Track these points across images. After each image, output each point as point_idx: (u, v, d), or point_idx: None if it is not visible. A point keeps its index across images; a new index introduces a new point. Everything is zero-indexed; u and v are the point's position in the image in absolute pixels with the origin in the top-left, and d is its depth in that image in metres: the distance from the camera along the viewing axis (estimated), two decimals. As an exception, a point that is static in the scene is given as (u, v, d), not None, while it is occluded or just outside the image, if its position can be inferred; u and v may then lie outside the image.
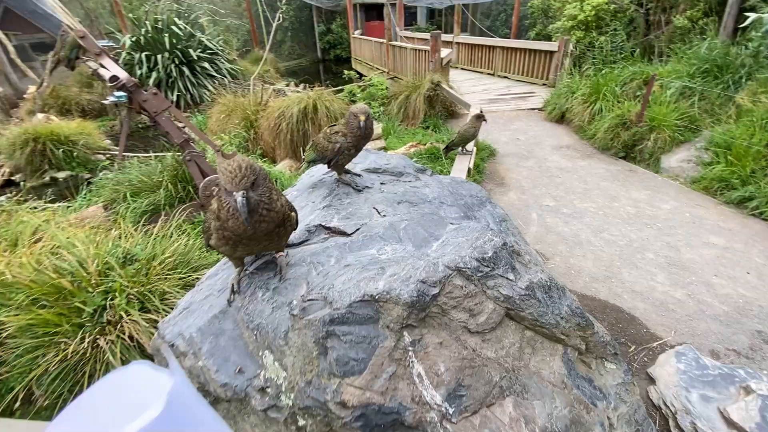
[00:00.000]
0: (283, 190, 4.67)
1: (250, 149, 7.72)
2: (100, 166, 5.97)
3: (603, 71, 7.93)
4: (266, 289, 1.45)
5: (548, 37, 14.50)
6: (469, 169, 5.44)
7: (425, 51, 11.19)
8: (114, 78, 3.37)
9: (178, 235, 2.96)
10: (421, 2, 25.75)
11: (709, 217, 4.76)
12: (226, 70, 13.63)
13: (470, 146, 5.99)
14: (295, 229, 1.44)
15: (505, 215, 2.26)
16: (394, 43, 13.82)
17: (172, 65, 12.06)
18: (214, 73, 12.99)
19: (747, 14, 5.87)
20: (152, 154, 4.68)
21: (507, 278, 1.47)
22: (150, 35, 12.16)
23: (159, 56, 11.92)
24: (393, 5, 16.84)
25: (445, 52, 10.85)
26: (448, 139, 6.72)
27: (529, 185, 5.94)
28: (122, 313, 2.13)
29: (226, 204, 1.21)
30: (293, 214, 1.39)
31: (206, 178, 3.61)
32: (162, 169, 3.94)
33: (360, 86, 10.40)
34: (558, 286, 1.65)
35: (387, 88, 9.89)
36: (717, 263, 3.89)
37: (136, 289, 2.24)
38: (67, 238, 2.68)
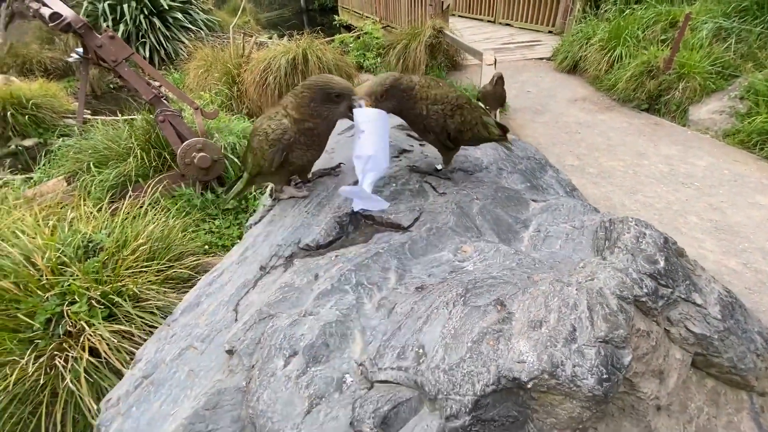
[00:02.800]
0: None
1: (234, 108, 6.96)
2: (58, 131, 5.25)
3: (625, 12, 7.14)
4: (291, 351, 0.84)
5: (552, -21, 13.32)
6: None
7: (422, -5, 10.14)
8: (55, 15, 2.64)
9: (155, 214, 2.41)
10: (411, -57, 23.64)
11: (750, 175, 4.32)
12: (202, 21, 12.35)
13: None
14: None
15: (571, 182, 1.76)
16: (386, -13, 12.54)
17: (141, 16, 10.81)
18: (189, 25, 11.75)
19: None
20: (120, 117, 4.01)
21: (694, 302, 0.93)
22: (112, -18, 10.78)
23: (125, 6, 10.64)
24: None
25: (445, -5, 9.82)
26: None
27: (547, 142, 5.41)
28: (83, 323, 1.64)
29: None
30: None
31: (185, 142, 2.94)
32: (131, 132, 3.30)
33: (352, 35, 9.43)
34: (739, 302, 1.11)
35: (382, 36, 8.96)
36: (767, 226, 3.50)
37: (100, 290, 1.75)
38: (13, 223, 2.13)
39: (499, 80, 4.62)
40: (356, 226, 1.08)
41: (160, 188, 2.75)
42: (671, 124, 5.72)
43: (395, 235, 1.02)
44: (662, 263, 0.89)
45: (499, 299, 0.83)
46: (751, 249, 3.25)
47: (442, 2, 9.33)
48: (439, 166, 1.42)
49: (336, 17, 11.64)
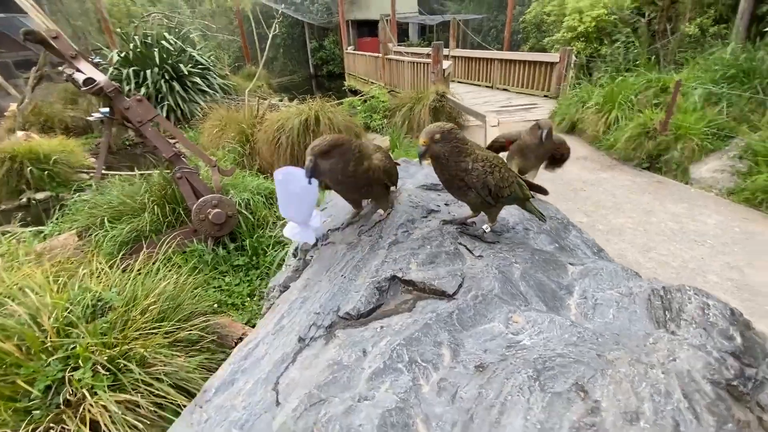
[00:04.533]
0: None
1: (246, 165, 7.17)
2: (75, 186, 5.35)
3: (617, 80, 7.61)
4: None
5: (543, 50, 14.41)
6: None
7: (423, 64, 10.91)
8: (89, 81, 2.82)
9: (167, 271, 2.36)
10: (412, 19, 25.97)
11: (762, 233, 4.30)
12: (218, 85, 13.19)
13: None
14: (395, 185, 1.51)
15: (596, 243, 1.74)
16: (390, 56, 13.56)
17: (162, 80, 11.57)
18: (206, 88, 12.51)
19: (774, 17, 5.59)
20: (137, 172, 4.11)
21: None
22: (139, 50, 11.70)
23: (148, 71, 11.42)
24: (387, 21, 16.72)
25: (445, 64, 10.57)
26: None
27: (554, 200, 5.43)
28: (85, 391, 1.52)
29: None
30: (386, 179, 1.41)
31: (201, 198, 2.97)
32: (147, 188, 3.35)
33: (360, 99, 9.99)
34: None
35: (387, 100, 9.49)
36: (791, 286, 3.40)
37: (107, 354, 1.64)
38: (22, 279, 2.07)
39: (548, 134, 4.61)
40: (396, 291, 1.02)
41: (173, 244, 2.73)
42: (674, 182, 5.83)
43: (440, 304, 0.95)
44: (739, 339, 0.82)
45: (578, 384, 0.74)
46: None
47: (444, 70, 10.02)
48: (487, 227, 1.41)
49: (344, 83, 12.40)
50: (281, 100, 14.09)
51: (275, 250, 3.14)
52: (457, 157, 1.25)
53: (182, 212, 3.33)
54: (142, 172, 4.33)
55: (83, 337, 1.72)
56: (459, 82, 15.12)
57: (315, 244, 1.35)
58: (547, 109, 9.87)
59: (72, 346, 1.68)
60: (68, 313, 1.81)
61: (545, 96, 11.46)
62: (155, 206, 3.20)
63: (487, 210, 1.35)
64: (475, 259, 1.12)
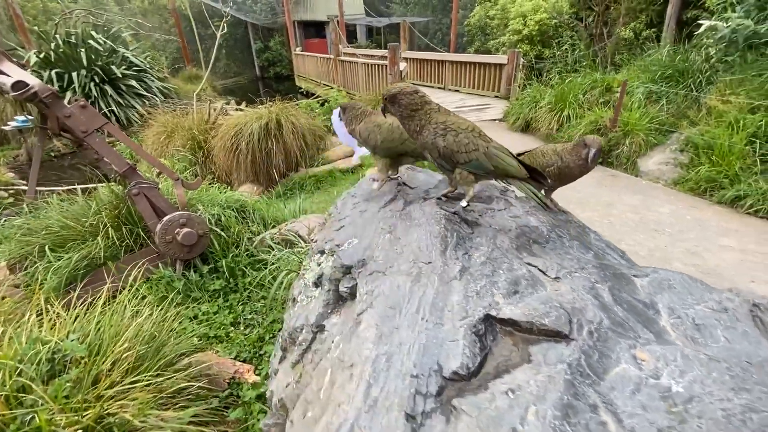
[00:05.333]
0: (256, 215, 3.68)
1: (198, 174, 6.63)
2: (2, 204, 4.59)
3: (567, 80, 8.02)
4: None
5: (488, 52, 14.96)
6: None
7: (378, 65, 10.84)
8: (20, 84, 2.32)
9: (135, 306, 2.01)
10: (360, 21, 25.91)
11: (709, 219, 4.68)
12: (157, 88, 12.20)
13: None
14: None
15: (616, 245, 1.71)
16: (343, 58, 13.35)
17: (91, 84, 10.44)
18: (144, 92, 11.51)
19: (701, 22, 6.15)
20: (78, 187, 3.55)
21: None
22: (62, 50, 10.47)
23: (74, 74, 10.26)
24: (336, 22, 16.49)
25: (401, 65, 10.57)
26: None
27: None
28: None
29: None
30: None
31: (166, 217, 2.67)
32: (98, 208, 2.87)
33: (315, 101, 9.69)
34: None
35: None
36: (745, 268, 3.72)
37: (80, 425, 1.32)
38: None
39: (597, 154, 3.85)
40: (494, 335, 0.86)
41: (135, 272, 2.35)
42: (626, 175, 6.22)
43: (562, 349, 0.79)
44: None
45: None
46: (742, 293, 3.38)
47: (401, 71, 10.01)
48: (463, 203, 1.44)
49: (294, 84, 12.01)
50: (228, 103, 13.34)
51: (255, 270, 2.84)
52: (410, 120, 1.36)
53: (141, 232, 2.90)
54: (85, 186, 3.77)
55: (42, 404, 1.37)
56: (412, 83, 15.24)
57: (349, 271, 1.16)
58: (499, 109, 10.20)
59: (29, 416, 1.33)
60: (18, 374, 1.45)
61: (496, 96, 11.86)
62: (109, 228, 2.75)
63: (451, 178, 1.41)
64: (553, 281, 1.00)
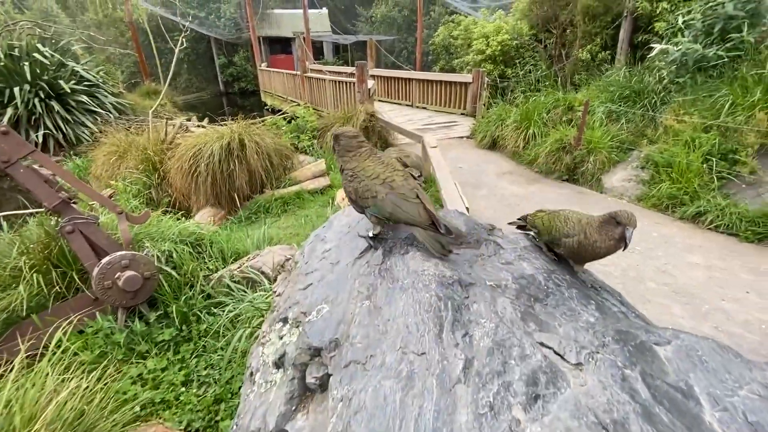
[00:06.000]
0: (214, 248, 3.35)
1: (154, 197, 6.15)
2: None
3: (532, 99, 8.23)
4: None
5: (452, 71, 15.31)
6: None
7: (346, 82, 10.74)
8: None
9: (61, 373, 1.67)
10: (326, 38, 25.99)
11: (674, 235, 4.80)
12: (111, 104, 11.49)
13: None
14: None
15: (611, 285, 1.59)
16: (310, 75, 13.19)
17: (36, 99, 9.66)
18: (95, 108, 10.79)
19: (653, 45, 6.48)
20: (1, 213, 3.07)
21: None
22: (2, 64, 9.65)
23: (16, 89, 9.46)
24: (303, 39, 16.39)
25: (369, 83, 10.53)
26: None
27: (493, 216, 5.56)
28: None
29: None
30: None
31: (104, 259, 2.35)
32: (24, 248, 2.45)
33: (282, 118, 9.41)
34: None
35: (315, 120, 9.07)
36: (714, 285, 3.78)
37: None
38: None
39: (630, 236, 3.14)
40: None
41: (70, 323, 1.98)
42: (592, 192, 6.35)
43: None
44: None
45: None
46: (713, 311, 3.41)
47: (369, 89, 9.95)
48: (370, 231, 1.51)
49: (260, 100, 11.72)
50: (189, 119, 12.76)
51: (211, 315, 2.50)
52: (340, 159, 1.49)
53: (75, 276, 2.51)
54: (5, 213, 3.29)
55: None
56: (380, 100, 15.30)
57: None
58: (466, 127, 10.32)
59: None
60: None
61: (462, 114, 12.05)
62: (35, 273, 2.34)
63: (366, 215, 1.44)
64: (575, 369, 0.82)
